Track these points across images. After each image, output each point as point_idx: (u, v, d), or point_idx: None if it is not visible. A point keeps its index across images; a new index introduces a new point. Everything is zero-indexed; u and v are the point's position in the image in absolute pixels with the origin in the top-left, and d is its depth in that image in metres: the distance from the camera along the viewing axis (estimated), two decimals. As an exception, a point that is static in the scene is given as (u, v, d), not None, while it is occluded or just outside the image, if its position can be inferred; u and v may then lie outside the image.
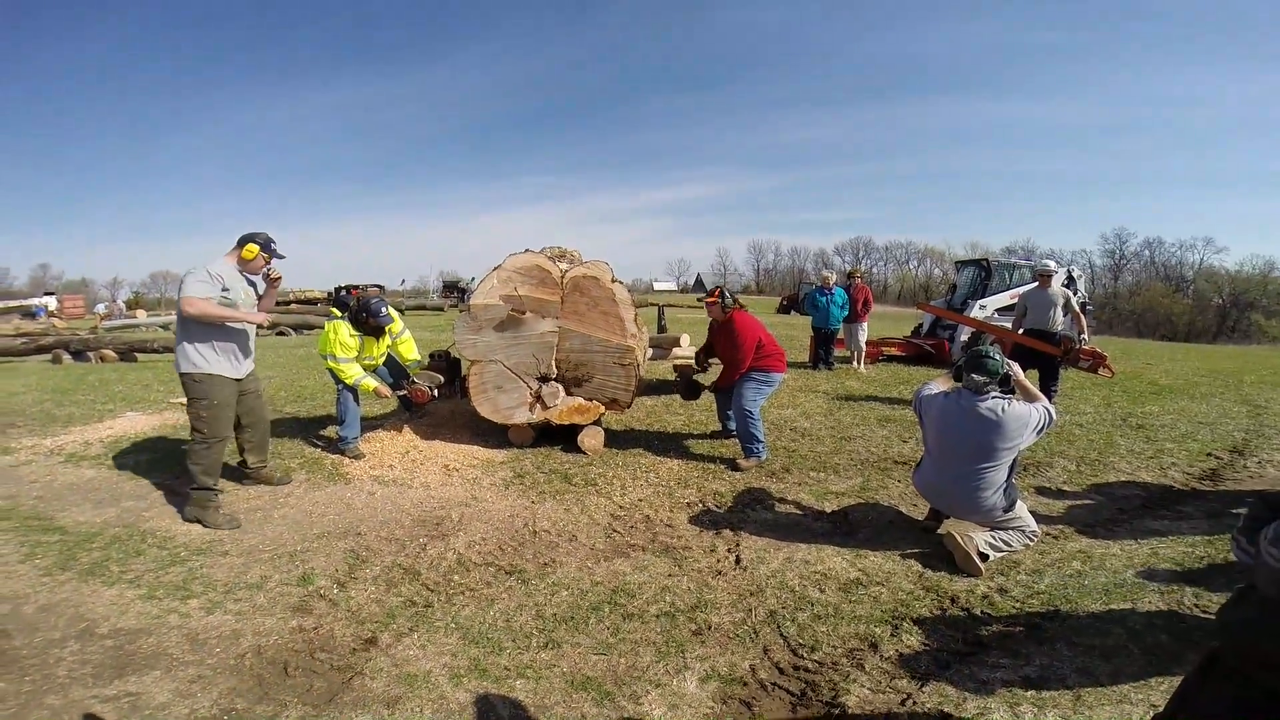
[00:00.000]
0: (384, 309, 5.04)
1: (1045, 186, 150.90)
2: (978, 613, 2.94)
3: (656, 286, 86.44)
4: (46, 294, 35.74)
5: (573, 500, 4.26)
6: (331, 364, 4.93)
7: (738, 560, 3.42)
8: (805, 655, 2.64)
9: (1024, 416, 3.29)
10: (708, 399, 5.83)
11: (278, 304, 25.60)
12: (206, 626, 2.79)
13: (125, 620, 2.82)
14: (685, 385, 5.73)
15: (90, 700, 2.30)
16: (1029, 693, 2.39)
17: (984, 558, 3.28)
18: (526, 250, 5.19)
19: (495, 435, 5.50)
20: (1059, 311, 6.78)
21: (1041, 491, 4.50)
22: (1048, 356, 6.73)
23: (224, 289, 3.88)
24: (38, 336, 14.13)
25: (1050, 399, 6.73)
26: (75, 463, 5.03)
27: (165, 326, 19.20)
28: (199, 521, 3.80)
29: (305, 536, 3.70)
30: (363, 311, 4.98)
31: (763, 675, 2.52)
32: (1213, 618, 2.77)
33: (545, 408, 5.15)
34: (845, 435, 5.83)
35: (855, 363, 9.78)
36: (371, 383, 5.00)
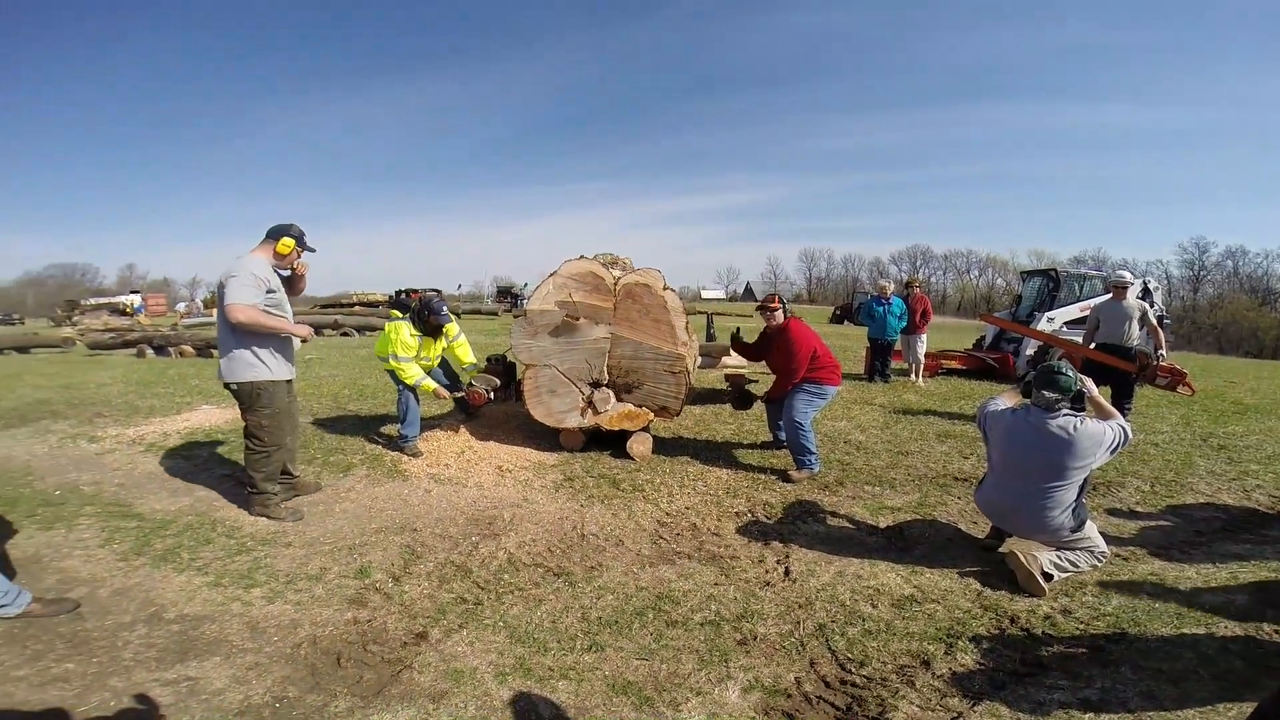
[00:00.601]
0: (444, 308, 5.26)
1: (1116, 194, 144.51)
2: (1038, 633, 2.83)
3: (704, 294, 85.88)
4: (132, 292, 38.07)
5: (620, 505, 4.28)
6: (392, 364, 5.11)
7: (787, 572, 3.36)
8: (853, 670, 2.58)
9: (1097, 435, 3.15)
10: (759, 408, 5.77)
11: (341, 305, 26.60)
12: (267, 615, 2.89)
13: (191, 606, 2.95)
14: (737, 395, 5.69)
15: (151, 683, 2.40)
16: (1087, 715, 2.29)
17: (1048, 578, 3.14)
18: (581, 257, 5.25)
19: (547, 438, 5.57)
20: (1135, 325, 6.43)
21: (1112, 512, 4.28)
22: (1121, 373, 6.40)
23: (269, 290, 3.80)
24: (124, 332, 15.08)
25: (1123, 417, 6.43)
26: (155, 452, 5.33)
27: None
28: (265, 516, 3.96)
29: (364, 530, 3.82)
30: (425, 310, 5.20)
31: (808, 688, 2.47)
32: None
33: (596, 413, 5.20)
34: (902, 450, 5.67)
35: (913, 375, 9.51)
36: (431, 384, 5.20)
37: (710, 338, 13.10)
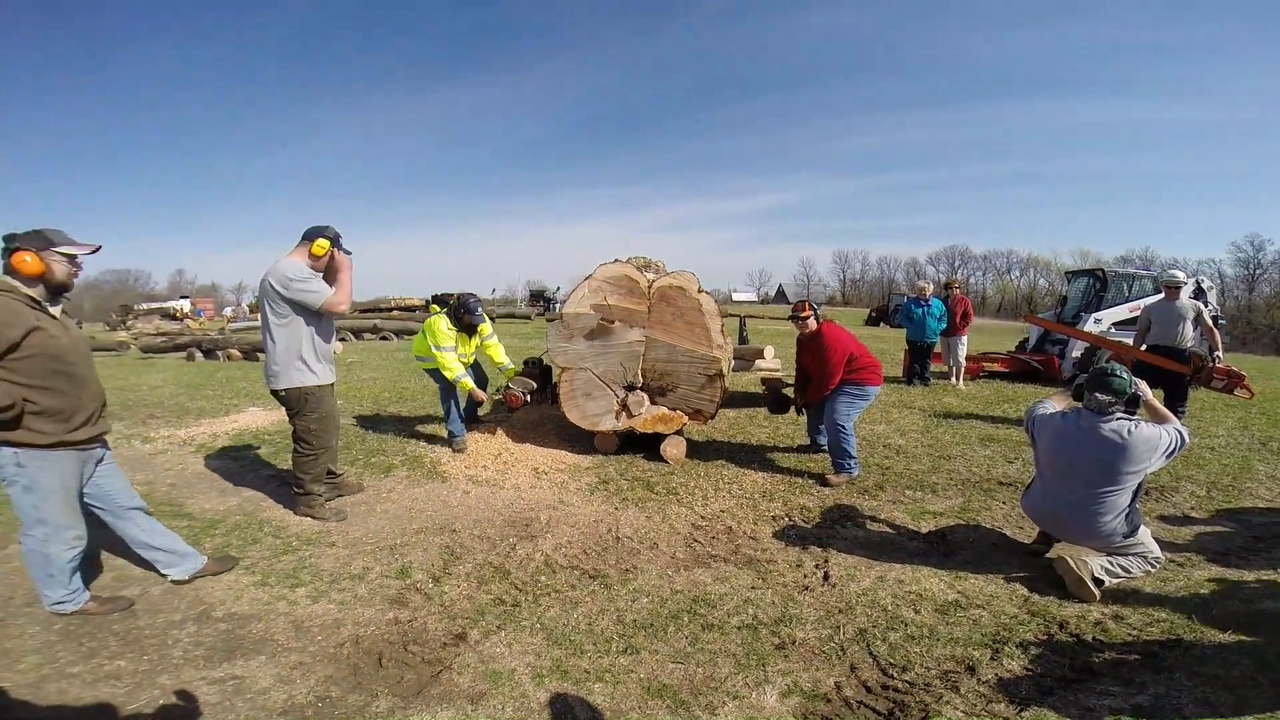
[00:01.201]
0: (479, 308, 5.43)
1: (1165, 191, 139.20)
2: (1089, 639, 2.75)
3: (735, 296, 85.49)
4: (182, 297, 39.45)
5: (655, 508, 4.27)
6: (434, 354, 5.27)
7: (826, 576, 3.31)
8: (895, 675, 2.53)
9: (1152, 439, 3.04)
10: (796, 412, 5.71)
11: (379, 309, 27.15)
12: (311, 615, 2.95)
13: (239, 605, 3.03)
14: (774, 399, 5.63)
15: (199, 681, 2.46)
16: None
17: (1099, 583, 3.04)
18: (615, 260, 5.27)
19: (581, 441, 5.60)
20: (1188, 326, 6.20)
21: (1167, 518, 4.12)
22: (1174, 375, 6.16)
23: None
24: (175, 335, 15.63)
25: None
26: (204, 453, 5.51)
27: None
28: (310, 516, 4.06)
29: (405, 531, 3.89)
30: (461, 309, 5.38)
31: (848, 693, 2.43)
32: None
33: (630, 416, 5.20)
34: (944, 454, 5.55)
35: (954, 379, 9.30)
36: (469, 383, 5.35)
37: (743, 340, 13.02)
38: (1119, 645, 2.70)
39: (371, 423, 6.58)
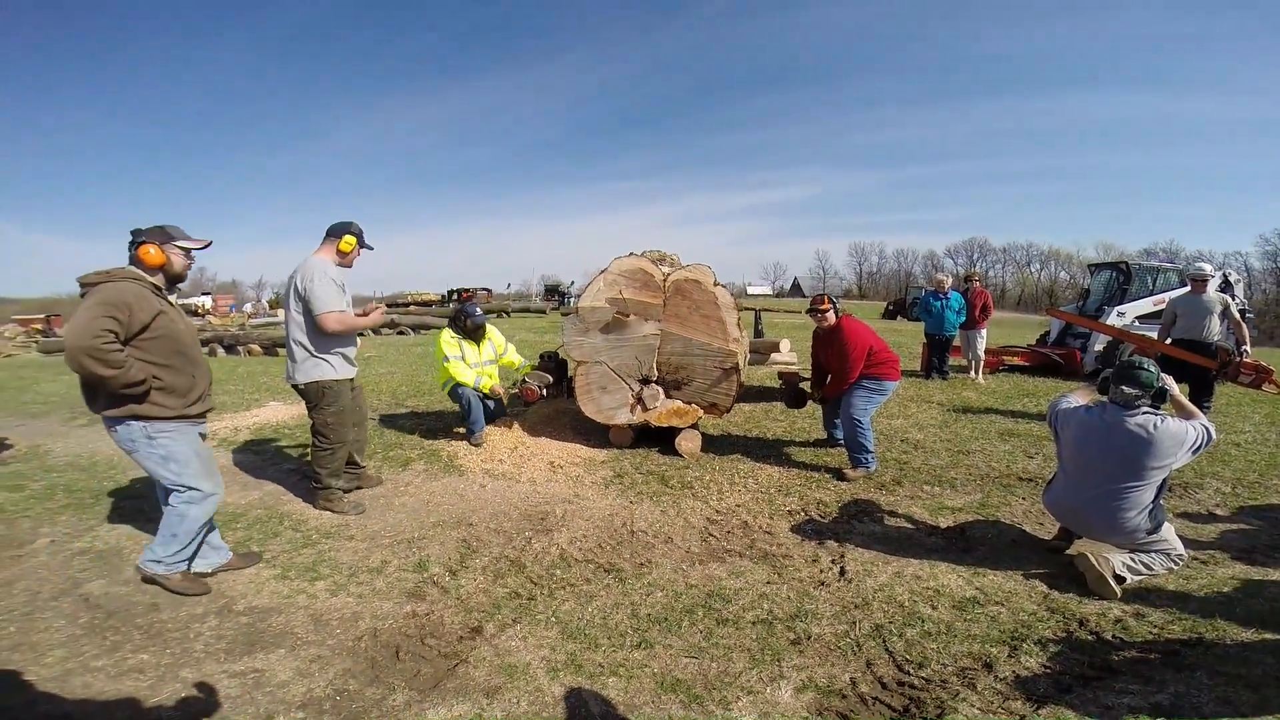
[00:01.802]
0: (478, 310, 5.61)
1: (1189, 184, 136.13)
2: (1108, 637, 2.71)
3: (750, 290, 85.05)
4: (203, 294, 40.00)
5: (669, 502, 4.27)
6: (444, 365, 5.38)
7: (842, 572, 3.29)
8: (912, 671, 2.51)
9: (1179, 434, 2.98)
10: (812, 406, 5.67)
11: (397, 304, 27.39)
12: (330, 608, 2.98)
13: (259, 599, 3.06)
14: (791, 393, 5.60)
15: (220, 675, 2.47)
16: None
17: (1120, 580, 3.00)
18: (630, 254, 5.26)
19: (596, 435, 5.61)
20: (1215, 319, 6.07)
21: (1190, 515, 4.05)
22: (1200, 369, 6.04)
23: (342, 289, 3.90)
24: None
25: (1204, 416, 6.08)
26: (226, 447, 5.59)
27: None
28: (329, 510, 4.10)
29: (422, 524, 3.92)
30: (460, 314, 5.53)
31: (864, 689, 2.41)
32: None
33: (645, 409, 5.20)
34: (962, 449, 5.49)
35: (973, 372, 9.19)
36: (487, 383, 5.48)
37: (758, 334, 12.96)
38: (1139, 643, 2.66)
39: (390, 417, 6.64)
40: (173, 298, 3.09)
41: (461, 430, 5.71)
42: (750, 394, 7.22)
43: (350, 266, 4.04)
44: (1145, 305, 9.87)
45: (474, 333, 5.52)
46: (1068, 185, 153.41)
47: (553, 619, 2.87)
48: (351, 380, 4.13)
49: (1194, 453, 3.02)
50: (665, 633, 2.76)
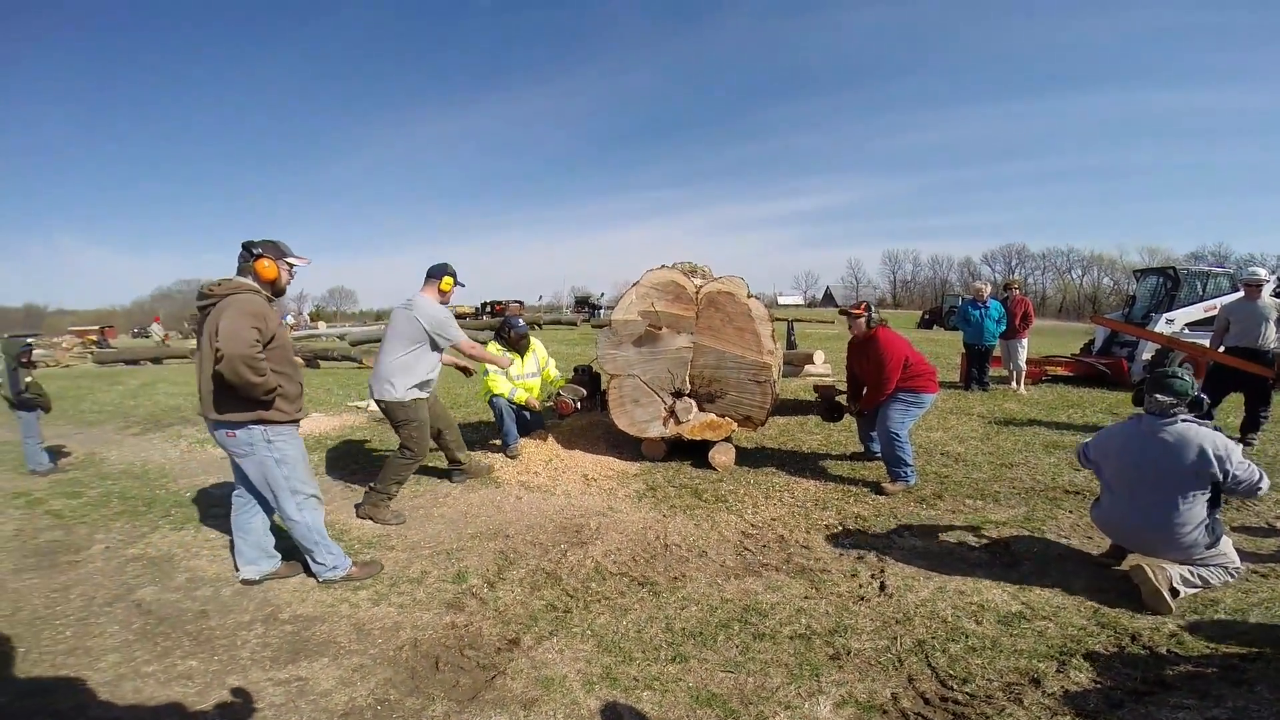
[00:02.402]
0: (520, 321, 5.73)
1: (1240, 183, 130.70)
2: (1163, 651, 2.61)
3: (781, 300, 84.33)
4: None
5: (703, 516, 4.25)
6: (485, 377, 5.52)
7: (882, 586, 3.23)
8: (955, 687, 2.45)
9: (1219, 442, 2.89)
10: (848, 419, 5.60)
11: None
12: (372, 617, 3.03)
13: (304, 607, 3.13)
14: (826, 406, 5.54)
15: (265, 682, 2.53)
16: None
17: (1175, 594, 2.89)
18: (662, 266, 5.28)
19: (629, 447, 5.62)
20: (1272, 326, 5.83)
21: (1249, 529, 3.87)
22: (1257, 379, 5.81)
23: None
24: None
25: (1259, 426, 5.83)
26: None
27: (341, 337, 21.46)
28: (371, 518, 4.21)
29: (460, 536, 3.97)
30: (505, 327, 5.65)
31: (905, 704, 2.36)
32: None
33: (678, 422, 5.19)
34: (1005, 462, 5.35)
35: (1014, 383, 8.97)
36: (523, 395, 5.63)
37: (791, 345, 12.86)
38: (1195, 659, 2.57)
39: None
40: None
41: (497, 442, 5.78)
42: (784, 406, 7.16)
43: (448, 303, 4.42)
44: (1195, 312, 9.53)
45: (517, 343, 5.65)
46: (1109, 186, 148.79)
47: (588, 632, 2.87)
48: (424, 400, 4.37)
49: (1239, 467, 2.87)
50: (700, 647, 2.74)
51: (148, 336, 28.94)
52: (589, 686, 2.48)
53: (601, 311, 36.05)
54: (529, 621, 2.97)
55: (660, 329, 5.14)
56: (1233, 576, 3.01)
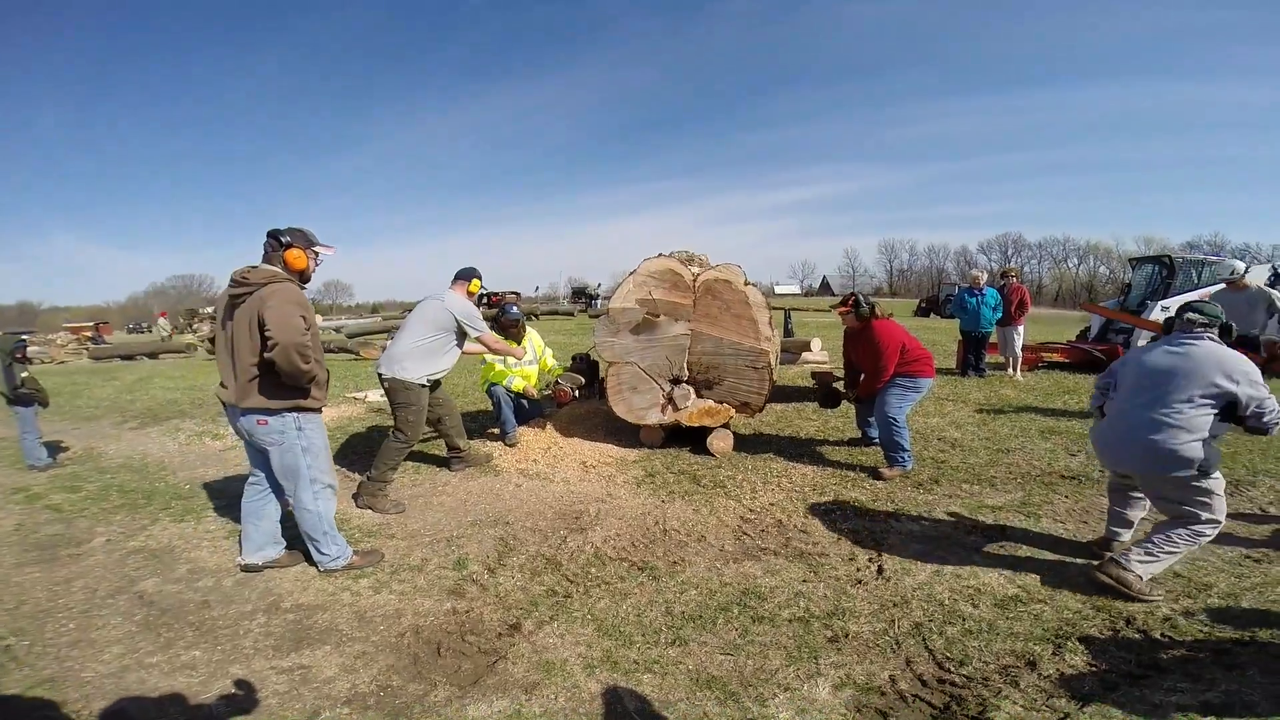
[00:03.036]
0: (514, 308, 5.78)
1: (1233, 175, 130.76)
2: (1157, 635, 2.65)
3: (778, 289, 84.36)
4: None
5: (701, 501, 4.27)
6: (489, 363, 5.60)
7: (880, 570, 3.26)
8: (952, 669, 2.48)
9: (1244, 363, 2.83)
10: (845, 405, 5.62)
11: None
12: (373, 605, 3.04)
13: (306, 596, 3.14)
14: (824, 393, 5.55)
15: (268, 671, 2.53)
16: (1208, 718, 2.13)
17: (1138, 574, 2.88)
18: (659, 255, 5.28)
19: (628, 434, 5.63)
20: (1261, 313, 5.88)
21: (1243, 515, 3.90)
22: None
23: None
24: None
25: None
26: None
27: (338, 330, 21.44)
28: (370, 508, 4.21)
29: (460, 523, 3.98)
30: (500, 314, 5.72)
31: (903, 686, 2.39)
32: None
33: (676, 409, 5.21)
34: (1002, 447, 5.38)
35: (1010, 370, 9.00)
36: (520, 383, 5.65)
37: (788, 333, 12.87)
38: (1189, 642, 2.60)
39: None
40: None
41: (496, 431, 5.79)
42: (782, 393, 7.18)
43: (473, 303, 4.58)
44: (1190, 299, 9.59)
45: (510, 330, 5.66)
46: (1105, 177, 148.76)
47: (588, 616, 2.89)
48: (428, 388, 4.44)
49: (1259, 390, 2.78)
50: (700, 630, 2.77)
51: (150, 332, 28.80)
52: (590, 670, 2.50)
53: (599, 302, 36.00)
54: (529, 607, 2.99)
55: (658, 316, 5.15)
56: (1206, 534, 2.91)
